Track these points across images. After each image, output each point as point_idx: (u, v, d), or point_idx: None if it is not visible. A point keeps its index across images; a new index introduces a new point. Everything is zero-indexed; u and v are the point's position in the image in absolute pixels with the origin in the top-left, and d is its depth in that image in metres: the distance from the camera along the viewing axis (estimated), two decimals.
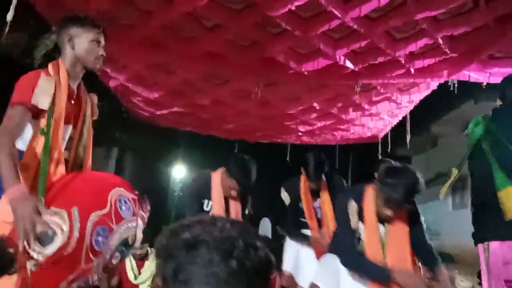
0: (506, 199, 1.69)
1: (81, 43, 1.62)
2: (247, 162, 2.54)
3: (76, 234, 1.28)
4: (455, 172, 1.92)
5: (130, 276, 3.63)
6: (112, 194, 1.41)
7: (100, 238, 1.34)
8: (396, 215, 1.98)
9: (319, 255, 2.68)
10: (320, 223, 2.97)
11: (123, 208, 1.42)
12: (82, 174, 1.58)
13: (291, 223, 3.01)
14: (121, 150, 9.49)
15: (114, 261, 1.44)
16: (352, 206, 2.03)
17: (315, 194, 2.97)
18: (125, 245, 1.46)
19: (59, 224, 1.27)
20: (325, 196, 2.94)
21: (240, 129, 5.82)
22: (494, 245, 1.57)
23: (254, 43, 3.71)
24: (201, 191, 2.60)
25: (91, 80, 1.88)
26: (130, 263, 3.60)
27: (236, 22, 3.28)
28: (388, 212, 1.94)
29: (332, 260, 2.06)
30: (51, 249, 1.25)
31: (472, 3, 3.03)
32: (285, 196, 3.03)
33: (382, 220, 2.03)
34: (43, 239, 1.26)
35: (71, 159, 1.60)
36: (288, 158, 6.23)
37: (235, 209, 2.63)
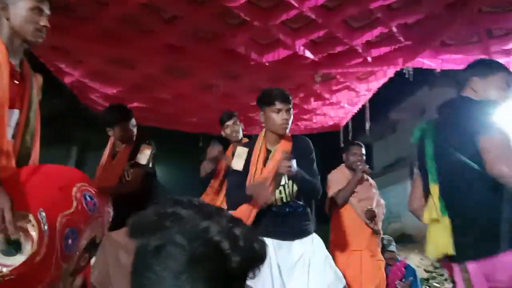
0: (433, 235, 1.61)
1: (18, 12, 1.38)
2: (115, 105, 2.80)
3: (46, 240, 1.11)
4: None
5: None
6: (76, 190, 1.27)
7: (70, 241, 1.19)
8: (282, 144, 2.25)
9: None
10: None
11: (89, 204, 1.30)
12: (40, 168, 1.37)
13: None
14: (81, 149, 9.18)
15: (83, 263, 1.33)
16: (239, 149, 2.30)
17: None
18: (94, 244, 1.35)
19: (28, 230, 1.09)
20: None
21: (204, 122, 5.77)
22: (472, 265, 1.50)
23: (214, 35, 3.68)
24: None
25: (44, 76, 1.77)
26: None
27: (194, 14, 3.23)
28: (275, 115, 2.23)
29: None
30: (19, 259, 1.07)
31: None
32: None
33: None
34: (8, 249, 1.08)
35: (17, 149, 1.39)
36: None
37: (119, 159, 2.67)
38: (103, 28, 3.45)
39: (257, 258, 0.65)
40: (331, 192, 3.41)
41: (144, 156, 2.56)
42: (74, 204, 1.23)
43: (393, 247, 4.41)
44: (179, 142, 6.58)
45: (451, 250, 1.55)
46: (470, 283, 1.51)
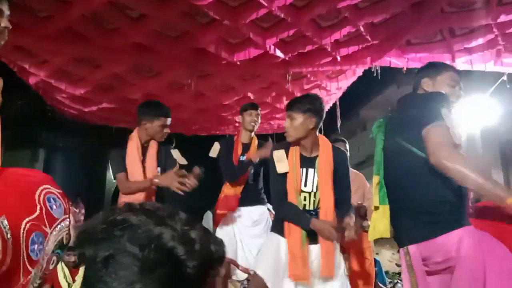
0: (374, 221, 1.77)
1: None
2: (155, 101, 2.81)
3: (10, 248, 1.06)
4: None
5: (64, 285, 3.45)
6: (39, 193, 1.23)
7: (36, 246, 1.15)
8: (323, 158, 2.26)
9: None
10: None
11: (54, 207, 1.26)
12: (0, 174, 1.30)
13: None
14: (48, 152, 8.89)
15: (51, 266, 1.28)
16: (277, 153, 2.29)
17: None
18: (61, 247, 1.30)
19: None
20: None
21: (176, 122, 5.66)
22: (413, 248, 1.65)
23: (183, 34, 3.63)
24: (120, 156, 2.68)
25: (7, 76, 1.66)
26: (62, 272, 3.41)
27: (162, 12, 3.19)
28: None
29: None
30: None
31: None
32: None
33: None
34: None
35: None
36: None
37: (151, 156, 2.67)
38: (68, 27, 3.35)
39: (214, 260, 0.64)
40: None
41: (180, 158, 2.65)
42: (38, 208, 1.19)
43: None
44: None
45: (387, 234, 1.72)
46: (412, 266, 1.65)
